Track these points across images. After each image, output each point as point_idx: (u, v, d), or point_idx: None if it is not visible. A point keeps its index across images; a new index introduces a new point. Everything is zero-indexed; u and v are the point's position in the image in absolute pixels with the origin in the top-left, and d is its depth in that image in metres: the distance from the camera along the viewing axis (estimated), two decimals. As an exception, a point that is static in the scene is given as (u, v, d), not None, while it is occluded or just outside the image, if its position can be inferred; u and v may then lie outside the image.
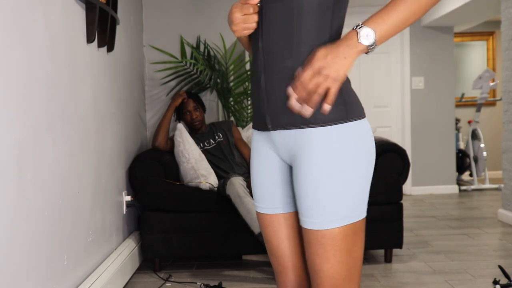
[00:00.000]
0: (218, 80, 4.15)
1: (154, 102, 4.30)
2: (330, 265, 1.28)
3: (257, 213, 1.48)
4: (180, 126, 3.56)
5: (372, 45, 1.17)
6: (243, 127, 4.14)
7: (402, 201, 3.38)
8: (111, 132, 2.96)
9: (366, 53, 1.21)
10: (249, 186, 3.23)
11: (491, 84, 6.44)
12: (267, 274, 3.20)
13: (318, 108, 1.23)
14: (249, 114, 4.27)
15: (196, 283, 3.08)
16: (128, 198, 3.25)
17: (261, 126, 1.38)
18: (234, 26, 1.32)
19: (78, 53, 2.39)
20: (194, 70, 4.18)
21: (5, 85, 1.67)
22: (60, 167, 2.11)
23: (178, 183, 3.43)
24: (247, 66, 4.39)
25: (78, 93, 2.38)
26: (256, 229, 3.04)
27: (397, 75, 6.14)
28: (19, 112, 1.76)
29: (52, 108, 2.04)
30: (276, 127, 1.33)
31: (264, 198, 1.45)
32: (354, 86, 5.25)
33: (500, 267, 3.01)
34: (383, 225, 3.33)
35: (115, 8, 2.95)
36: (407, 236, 3.96)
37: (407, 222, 4.37)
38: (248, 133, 3.88)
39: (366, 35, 1.17)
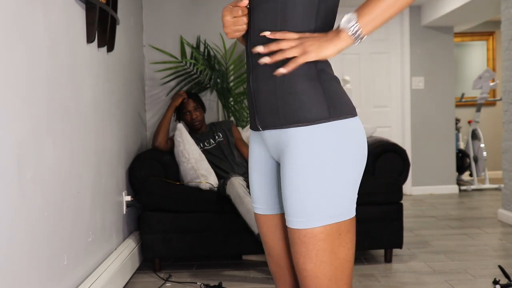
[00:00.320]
0: (218, 80, 4.15)
1: (154, 102, 4.30)
2: (313, 264, 1.27)
3: (256, 214, 1.49)
4: (180, 126, 3.56)
5: (355, 31, 1.20)
6: (243, 127, 4.14)
7: (402, 201, 3.38)
8: (111, 132, 2.96)
9: (356, 40, 1.21)
10: (249, 186, 3.22)
11: (491, 84, 6.44)
12: (267, 274, 3.20)
13: (302, 107, 1.26)
14: (249, 114, 4.27)
15: (196, 283, 3.08)
16: (128, 198, 3.25)
17: (254, 126, 1.41)
18: (225, 29, 1.35)
19: (78, 53, 2.39)
20: (194, 70, 4.18)
21: (5, 85, 1.67)
22: (60, 167, 2.11)
23: (178, 183, 3.43)
24: (247, 66, 4.38)
25: (78, 93, 2.38)
26: (256, 229, 3.04)
27: (397, 75, 6.15)
28: (19, 112, 1.76)
29: (52, 108, 2.04)
30: (265, 127, 1.35)
31: (260, 198, 1.46)
32: (354, 86, 5.23)
33: (500, 267, 3.01)
34: (383, 225, 3.33)
35: (115, 8, 2.95)
36: (407, 236, 3.96)
37: (407, 222, 4.37)
38: (248, 133, 3.88)
39: (348, 20, 1.20)
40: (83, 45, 2.47)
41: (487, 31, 7.47)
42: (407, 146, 6.06)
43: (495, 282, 2.88)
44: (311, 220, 1.26)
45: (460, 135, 6.90)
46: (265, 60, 1.25)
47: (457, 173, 6.67)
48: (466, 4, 5.11)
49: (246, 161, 3.71)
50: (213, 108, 4.41)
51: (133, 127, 3.65)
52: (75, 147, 2.31)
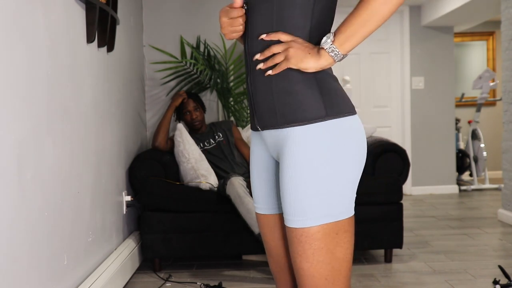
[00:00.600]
0: (218, 80, 4.15)
1: (154, 102, 4.30)
2: (309, 264, 1.27)
3: (257, 214, 1.49)
4: (180, 126, 3.56)
5: (330, 50, 1.23)
6: (243, 127, 4.14)
7: (402, 201, 3.38)
8: (111, 132, 2.96)
9: (336, 59, 1.25)
10: (249, 186, 3.23)
11: (491, 84, 6.44)
12: (267, 274, 3.20)
13: (298, 107, 1.27)
14: (249, 115, 4.27)
15: (196, 283, 3.08)
16: (128, 198, 3.25)
17: (253, 126, 1.42)
18: (222, 30, 1.37)
19: (78, 53, 2.39)
20: (194, 70, 4.18)
21: (5, 85, 1.67)
22: (60, 167, 2.11)
23: (178, 183, 3.43)
24: (247, 66, 4.38)
25: (78, 93, 2.38)
26: (256, 229, 3.05)
27: (397, 75, 6.15)
28: (19, 112, 1.76)
29: (52, 108, 2.04)
30: (263, 127, 1.36)
31: (260, 198, 1.46)
32: (354, 86, 5.23)
33: (500, 267, 3.01)
34: (383, 225, 3.33)
35: (115, 8, 2.95)
36: (407, 236, 3.96)
37: (407, 222, 4.37)
38: (248, 133, 3.88)
39: (325, 40, 1.25)
40: (83, 45, 2.47)
41: (487, 31, 7.47)
42: (407, 146, 6.06)
43: (495, 282, 2.88)
44: (308, 219, 1.26)
45: (460, 135, 6.90)
46: (261, 66, 1.30)
47: (457, 173, 6.67)
48: (466, 4, 5.11)
49: (246, 161, 3.71)
50: (213, 108, 4.41)
51: (133, 127, 3.65)
52: (75, 147, 2.31)
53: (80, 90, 2.41)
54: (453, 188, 6.20)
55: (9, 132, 1.68)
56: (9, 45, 1.70)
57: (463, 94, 6.88)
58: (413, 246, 3.82)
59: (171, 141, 3.65)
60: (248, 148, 3.74)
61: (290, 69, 1.27)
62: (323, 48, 1.24)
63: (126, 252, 3.05)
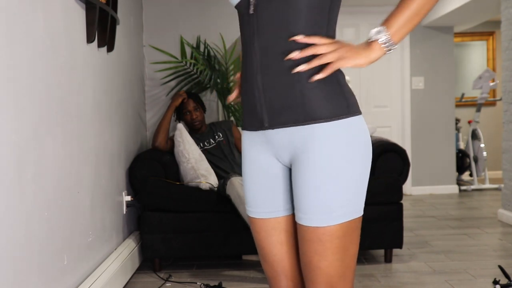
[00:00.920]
0: (218, 80, 4.15)
1: (154, 102, 4.30)
2: (328, 262, 1.28)
3: (253, 219, 1.45)
4: (180, 126, 3.56)
5: (385, 40, 1.24)
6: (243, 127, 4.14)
7: (402, 201, 3.38)
8: (111, 132, 2.96)
9: (387, 51, 1.27)
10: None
11: (491, 84, 6.44)
12: (267, 274, 3.20)
13: (324, 103, 1.26)
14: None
15: (196, 283, 3.08)
16: (128, 198, 3.25)
17: (256, 125, 1.36)
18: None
19: (78, 53, 2.39)
20: (194, 70, 4.18)
21: (5, 85, 1.67)
22: (60, 167, 2.11)
23: (178, 183, 3.43)
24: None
25: (78, 93, 2.38)
26: (256, 229, 3.04)
27: (397, 75, 6.15)
28: (19, 112, 1.76)
29: (52, 108, 2.04)
30: (274, 125, 1.32)
31: (259, 202, 1.42)
32: (354, 86, 5.26)
33: (500, 267, 3.01)
34: (383, 225, 3.33)
35: (115, 8, 2.95)
36: (407, 236, 3.96)
37: (407, 222, 4.38)
38: (248, 133, 3.87)
39: (377, 32, 1.25)
40: (83, 45, 2.47)
41: (487, 31, 7.46)
42: (407, 146, 6.06)
43: (495, 282, 2.88)
44: (331, 218, 1.27)
45: (460, 135, 6.90)
46: (304, 67, 1.24)
47: (457, 173, 6.67)
48: (466, 4, 5.11)
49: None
50: (213, 108, 4.41)
51: (133, 127, 3.65)
52: (75, 147, 2.31)
53: (80, 90, 2.41)
54: (453, 188, 6.20)
55: (9, 132, 1.68)
56: (9, 45, 1.70)
57: (463, 94, 6.88)
58: (413, 246, 3.82)
59: (171, 141, 3.65)
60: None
61: None
62: (374, 41, 1.25)
63: (126, 252, 3.05)
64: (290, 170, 1.39)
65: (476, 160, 6.54)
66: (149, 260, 3.42)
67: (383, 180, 3.37)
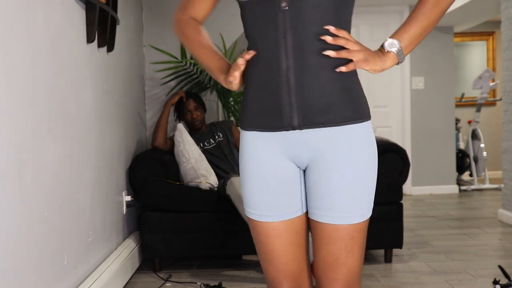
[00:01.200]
0: (218, 80, 4.15)
1: (154, 102, 4.30)
2: (353, 258, 1.35)
3: (258, 223, 1.42)
4: (180, 126, 3.56)
5: (398, 52, 1.32)
6: (243, 127, 4.14)
7: (402, 201, 3.38)
8: (111, 132, 2.96)
9: (398, 63, 1.34)
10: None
11: (491, 84, 6.44)
12: (267, 274, 3.20)
13: (358, 104, 1.33)
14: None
15: (196, 283, 3.08)
16: (128, 198, 3.25)
17: (277, 125, 1.33)
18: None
19: (78, 53, 2.39)
20: (194, 70, 4.18)
21: (5, 85, 1.67)
22: (60, 167, 2.11)
23: (178, 183, 3.43)
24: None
25: (78, 93, 2.38)
26: (256, 229, 3.04)
27: (397, 75, 6.15)
28: (19, 112, 1.76)
29: (52, 108, 2.04)
30: (305, 126, 1.31)
31: (268, 206, 1.39)
32: (354, 86, 5.02)
33: (500, 267, 3.01)
34: (383, 225, 3.33)
35: (115, 8, 2.95)
36: (407, 236, 3.96)
37: (407, 222, 4.37)
38: (248, 133, 3.87)
39: (391, 44, 1.32)
40: (83, 45, 2.47)
41: (487, 31, 7.46)
42: (407, 146, 6.06)
43: (495, 282, 2.88)
44: (361, 215, 1.34)
45: (460, 135, 6.90)
46: (329, 53, 1.27)
47: (457, 173, 6.67)
48: (466, 4, 5.11)
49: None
50: (213, 108, 4.41)
51: (133, 127, 3.65)
52: (75, 147, 2.31)
53: (80, 90, 2.41)
54: (453, 188, 6.20)
55: (9, 132, 1.68)
56: (9, 45, 1.70)
57: (463, 94, 6.88)
58: (413, 246, 3.82)
59: (171, 141, 3.65)
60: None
61: None
62: (389, 51, 1.32)
63: (126, 252, 3.05)
64: (301, 171, 1.39)
65: (476, 160, 6.54)
66: (149, 260, 3.42)
67: (383, 180, 3.33)
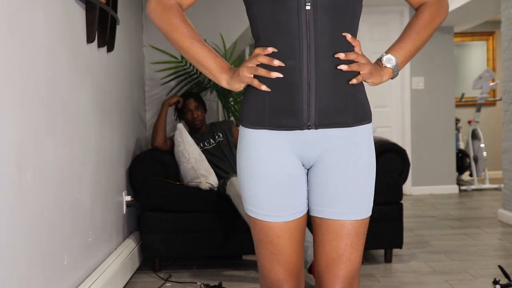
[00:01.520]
0: (218, 80, 4.15)
1: (154, 102, 4.30)
2: (358, 253, 1.39)
3: (266, 223, 1.39)
4: (180, 126, 3.56)
5: (395, 68, 1.40)
6: (243, 127, 4.13)
7: (402, 201, 3.38)
8: (111, 132, 2.96)
9: (392, 78, 1.42)
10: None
11: (491, 84, 6.44)
12: (267, 274, 3.20)
13: (365, 106, 1.40)
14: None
15: (196, 283, 3.08)
16: (128, 198, 3.25)
17: (291, 124, 1.33)
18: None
19: (78, 53, 2.39)
20: (194, 70, 4.18)
21: (5, 85, 1.67)
22: (60, 167, 2.11)
23: (178, 183, 3.43)
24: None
25: (78, 93, 2.38)
26: (256, 229, 3.04)
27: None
28: (19, 112, 1.76)
29: (52, 108, 2.04)
30: (321, 125, 1.33)
31: (280, 206, 1.38)
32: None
33: (500, 267, 3.01)
34: (383, 225, 3.33)
35: (115, 8, 2.95)
36: (407, 236, 3.96)
37: (407, 222, 4.37)
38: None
39: (389, 60, 1.40)
40: (83, 45, 2.47)
41: (487, 31, 7.46)
42: (407, 146, 6.06)
43: (495, 282, 2.88)
44: (366, 211, 1.39)
45: (460, 135, 6.90)
46: (342, 67, 1.33)
47: (457, 173, 6.67)
48: (466, 4, 5.11)
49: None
50: (213, 108, 4.41)
51: (133, 127, 3.65)
52: (75, 147, 2.31)
53: (80, 90, 2.41)
54: (453, 188, 6.20)
55: (9, 132, 1.68)
56: (9, 45, 1.70)
57: (463, 94, 6.88)
58: (413, 246, 3.82)
59: (171, 141, 3.65)
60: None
61: None
62: (386, 66, 1.40)
63: (126, 252, 3.05)
64: (305, 171, 1.42)
65: (476, 160, 6.54)
66: (149, 260, 3.42)
67: (383, 180, 3.35)
